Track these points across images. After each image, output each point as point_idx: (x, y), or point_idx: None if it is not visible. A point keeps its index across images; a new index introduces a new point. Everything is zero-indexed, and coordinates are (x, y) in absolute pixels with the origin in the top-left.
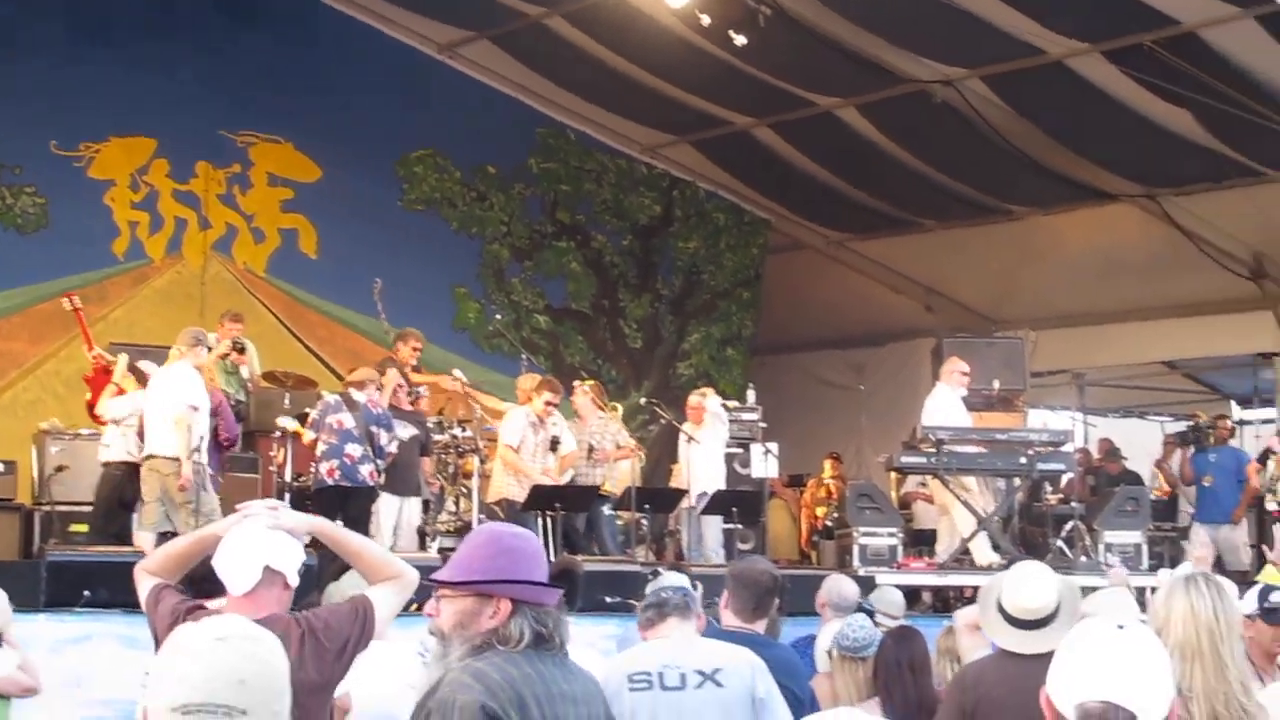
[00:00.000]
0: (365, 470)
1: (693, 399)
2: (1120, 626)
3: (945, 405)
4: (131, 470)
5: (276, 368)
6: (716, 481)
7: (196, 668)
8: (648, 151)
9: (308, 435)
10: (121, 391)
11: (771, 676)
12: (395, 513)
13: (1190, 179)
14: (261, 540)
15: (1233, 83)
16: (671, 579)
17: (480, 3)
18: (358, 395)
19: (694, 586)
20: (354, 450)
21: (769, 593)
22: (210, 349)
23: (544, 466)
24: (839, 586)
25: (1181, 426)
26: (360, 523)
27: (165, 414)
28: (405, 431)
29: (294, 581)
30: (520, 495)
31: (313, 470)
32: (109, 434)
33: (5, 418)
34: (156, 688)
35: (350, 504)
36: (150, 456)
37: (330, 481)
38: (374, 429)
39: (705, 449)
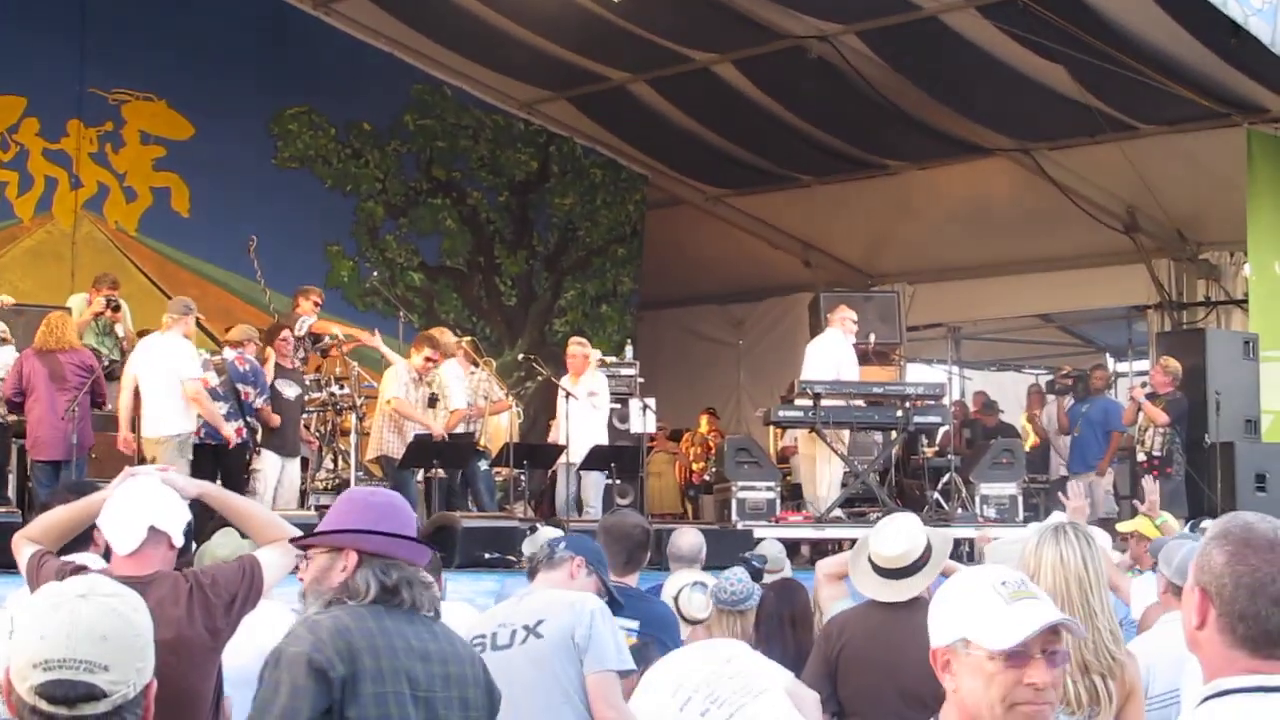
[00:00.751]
0: (230, 428)
1: (574, 348)
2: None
3: (836, 351)
4: None
5: (149, 326)
6: (598, 435)
7: (58, 624)
8: (525, 108)
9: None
10: None
11: (604, 621)
12: (277, 471)
13: (1064, 134)
14: (146, 500)
15: (1106, 38)
16: (546, 534)
17: None
18: (228, 353)
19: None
20: (219, 408)
21: (640, 546)
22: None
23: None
24: (677, 539)
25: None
26: (234, 480)
27: (172, 390)
28: (291, 390)
29: (179, 542)
30: (399, 451)
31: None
32: None
33: None
34: (19, 645)
35: (223, 462)
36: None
37: (197, 440)
38: (240, 386)
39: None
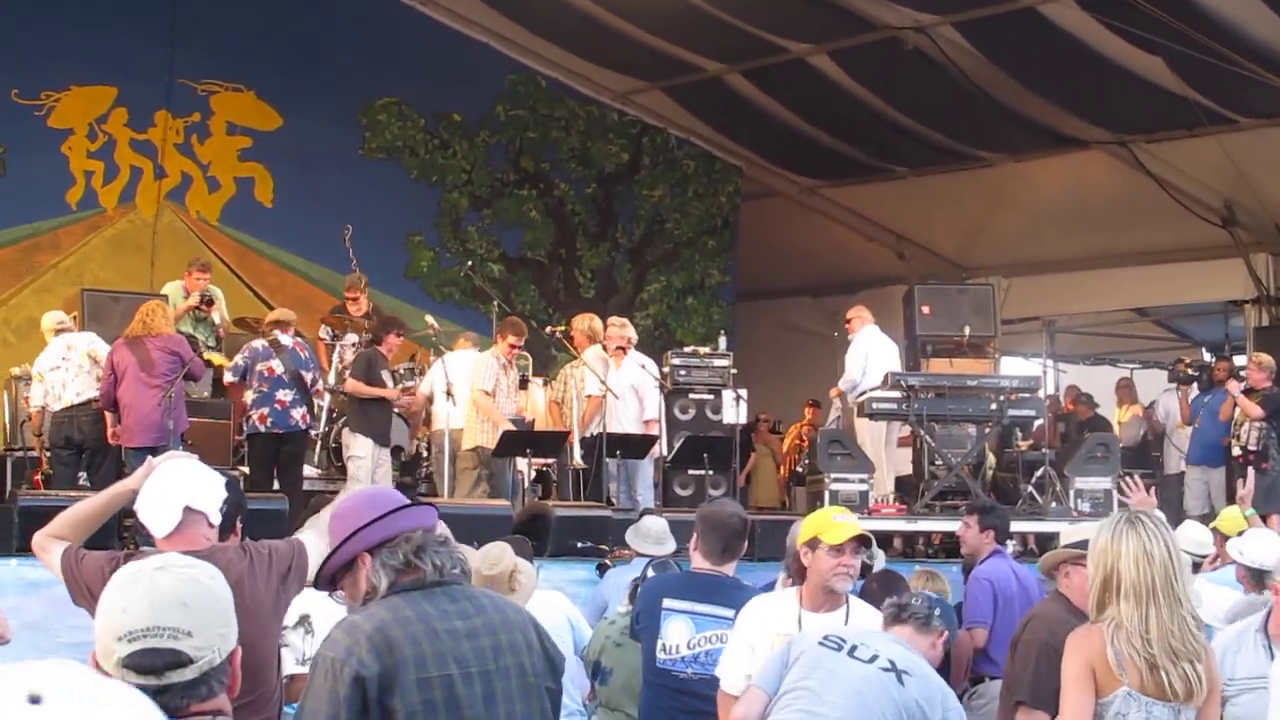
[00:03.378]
0: (297, 414)
1: (619, 330)
2: None
3: (876, 345)
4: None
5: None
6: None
7: (138, 596)
8: (619, 98)
9: (228, 376)
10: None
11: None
12: (374, 459)
13: (1162, 126)
14: (179, 482)
15: (1206, 29)
16: (651, 523)
17: None
18: (284, 339)
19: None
20: (284, 396)
21: (737, 535)
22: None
23: (518, 406)
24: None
25: (1158, 373)
26: (293, 466)
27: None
28: (389, 382)
29: (216, 520)
30: (491, 442)
31: (245, 419)
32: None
33: None
34: (101, 624)
35: (283, 450)
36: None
37: (262, 429)
38: (302, 372)
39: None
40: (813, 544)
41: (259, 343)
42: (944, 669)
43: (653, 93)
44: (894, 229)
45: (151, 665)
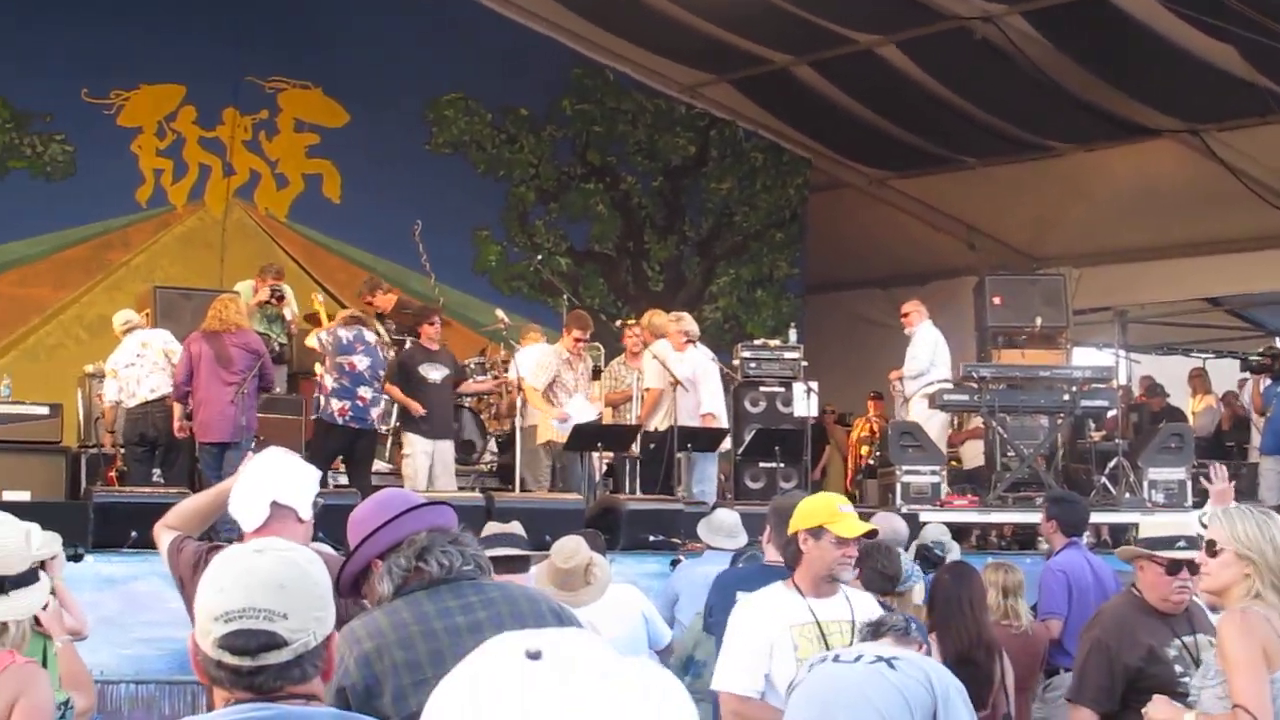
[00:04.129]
0: (375, 413)
1: (676, 325)
2: None
3: (934, 341)
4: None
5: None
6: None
7: (235, 576)
8: (686, 91)
9: (310, 341)
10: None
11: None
12: (428, 455)
13: (1234, 114)
14: (269, 477)
15: (1277, 16)
16: (724, 516)
17: None
18: (368, 335)
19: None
20: (366, 393)
21: None
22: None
23: (591, 396)
24: (890, 523)
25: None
26: (365, 463)
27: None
28: (435, 373)
29: (306, 516)
30: (562, 436)
31: (320, 403)
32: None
33: (27, 361)
34: (200, 604)
35: (357, 445)
36: None
37: (340, 421)
38: (380, 371)
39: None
40: (816, 532)
41: (345, 333)
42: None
43: (720, 85)
44: (964, 219)
45: (246, 646)
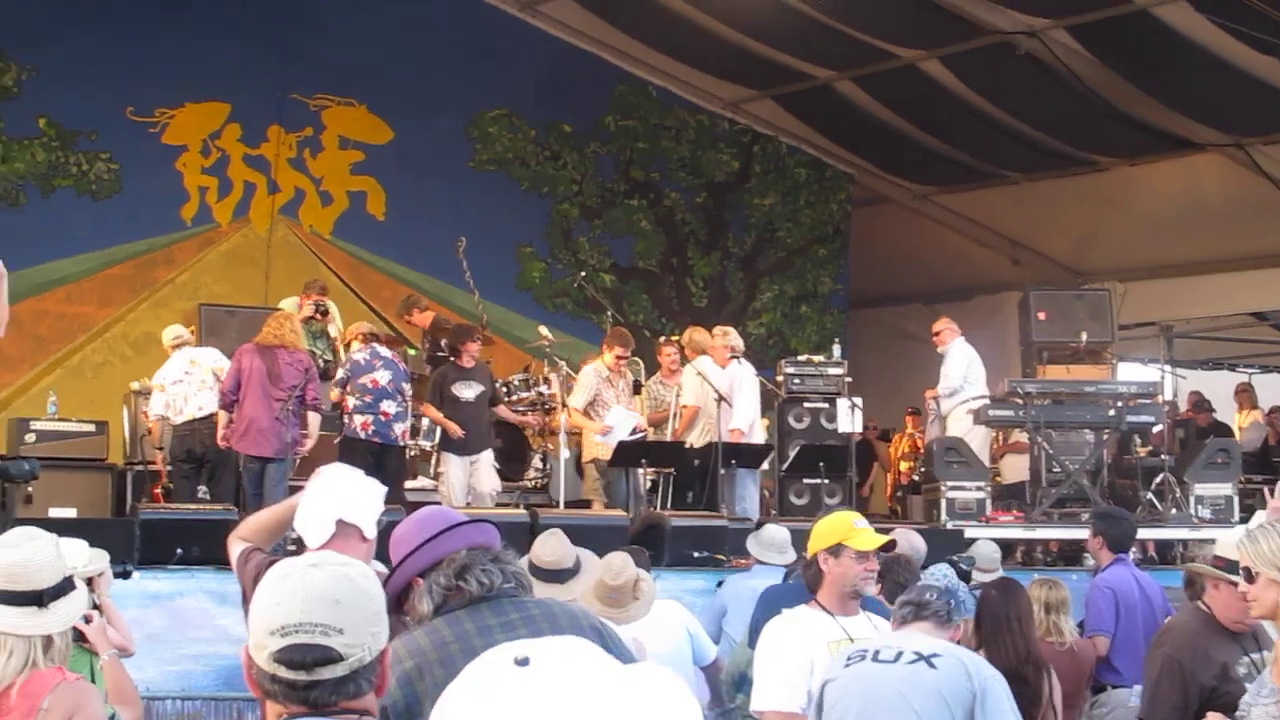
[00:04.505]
0: (399, 428)
1: (721, 339)
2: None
3: (967, 359)
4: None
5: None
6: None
7: (290, 591)
8: (729, 107)
9: (334, 391)
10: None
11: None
12: (462, 473)
13: (1278, 127)
14: (335, 494)
15: None
16: (773, 532)
17: None
18: (383, 350)
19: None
20: (389, 407)
21: None
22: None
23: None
24: (908, 539)
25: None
26: (395, 480)
27: None
28: (469, 391)
29: (370, 534)
30: (606, 453)
31: (345, 422)
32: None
33: (74, 380)
34: (254, 618)
35: (385, 461)
36: None
37: (364, 435)
38: (403, 384)
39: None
40: (835, 550)
41: (360, 355)
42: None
43: (763, 101)
44: (1008, 234)
45: (301, 660)
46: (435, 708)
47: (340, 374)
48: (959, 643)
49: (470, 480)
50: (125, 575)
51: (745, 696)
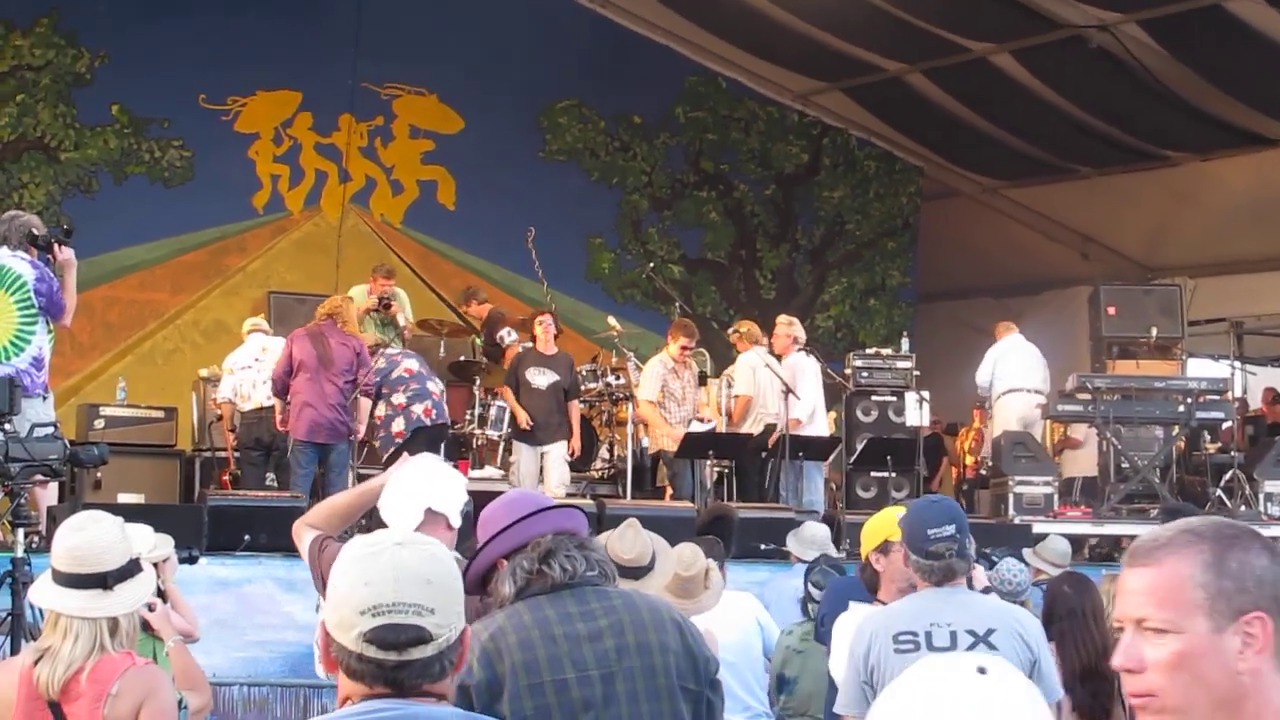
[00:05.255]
0: (420, 407)
1: (786, 329)
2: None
3: (1008, 351)
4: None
5: (429, 316)
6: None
7: (381, 570)
8: (799, 99)
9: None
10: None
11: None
12: (532, 462)
13: None
14: (423, 482)
15: None
16: (813, 529)
17: None
18: (392, 347)
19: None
20: (434, 387)
21: None
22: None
23: (697, 403)
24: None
25: None
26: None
27: None
28: (543, 379)
29: (456, 523)
30: (672, 445)
31: (400, 418)
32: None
33: (144, 366)
34: (340, 596)
35: (446, 442)
36: None
37: (428, 421)
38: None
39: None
40: (884, 548)
41: (381, 363)
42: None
43: (833, 93)
44: (1078, 229)
45: (395, 640)
46: (882, 706)
47: (374, 381)
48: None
49: (543, 468)
50: (192, 560)
51: (786, 696)
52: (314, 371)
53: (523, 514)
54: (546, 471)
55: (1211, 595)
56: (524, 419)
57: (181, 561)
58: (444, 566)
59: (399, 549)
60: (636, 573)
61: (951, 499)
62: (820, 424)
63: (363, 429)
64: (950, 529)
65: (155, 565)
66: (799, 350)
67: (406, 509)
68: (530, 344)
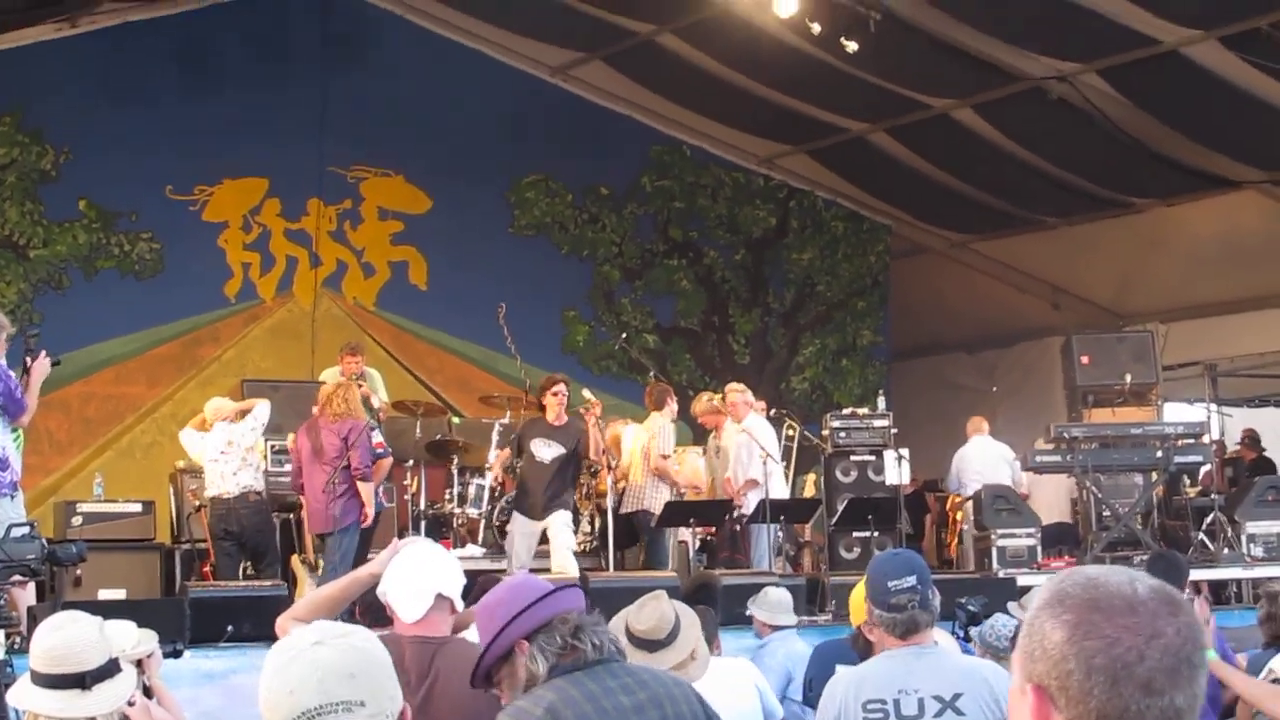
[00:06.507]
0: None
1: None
2: None
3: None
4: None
5: (404, 398)
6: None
7: (302, 674)
8: (764, 163)
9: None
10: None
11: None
12: (527, 538)
13: None
14: (429, 568)
15: None
16: (775, 595)
17: (591, 23)
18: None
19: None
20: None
21: None
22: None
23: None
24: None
25: None
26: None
27: None
28: (549, 451)
29: (460, 606)
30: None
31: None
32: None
33: (123, 460)
34: (269, 709)
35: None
36: None
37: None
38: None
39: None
40: None
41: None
42: None
43: (797, 155)
44: (1048, 279)
45: None
46: None
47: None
48: None
49: (541, 541)
50: (176, 654)
51: None
52: (311, 464)
53: (535, 597)
54: (551, 538)
55: (1018, 653)
56: (497, 475)
57: (166, 656)
58: (366, 656)
59: (318, 648)
60: (652, 645)
61: (913, 551)
62: (777, 484)
63: (371, 513)
64: (911, 580)
65: (139, 661)
66: (756, 413)
67: (416, 595)
68: (540, 413)
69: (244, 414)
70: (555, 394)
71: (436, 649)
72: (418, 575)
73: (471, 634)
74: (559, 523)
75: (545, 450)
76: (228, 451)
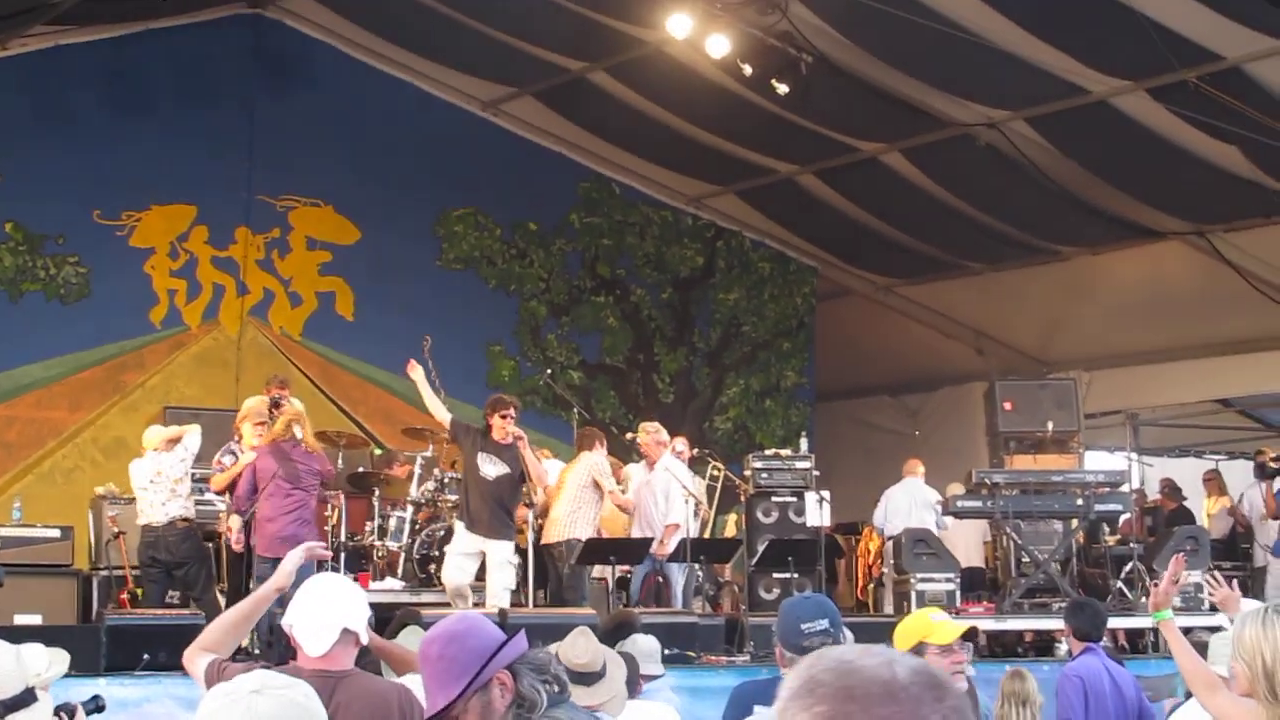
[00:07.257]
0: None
1: (648, 437)
2: None
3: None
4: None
5: (327, 428)
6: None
7: None
8: (693, 202)
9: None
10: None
11: None
12: (466, 557)
13: (1239, 215)
14: (337, 601)
15: (1278, 116)
16: (644, 642)
17: (523, 59)
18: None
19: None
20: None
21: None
22: None
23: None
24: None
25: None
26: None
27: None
28: (494, 468)
29: (365, 639)
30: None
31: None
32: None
33: (44, 485)
34: None
35: None
36: None
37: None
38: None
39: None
40: (918, 650)
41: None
42: None
43: (726, 196)
44: (972, 325)
45: None
46: None
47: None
48: None
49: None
50: (99, 710)
51: None
52: (278, 488)
53: (502, 639)
54: (489, 570)
55: None
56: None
57: (89, 713)
58: (303, 710)
59: (255, 697)
60: (588, 679)
61: (824, 595)
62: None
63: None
64: (824, 623)
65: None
66: (670, 453)
67: (323, 629)
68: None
69: (174, 442)
70: (505, 416)
71: (337, 682)
72: (324, 610)
73: (413, 680)
74: (499, 558)
75: (490, 467)
76: (156, 481)
